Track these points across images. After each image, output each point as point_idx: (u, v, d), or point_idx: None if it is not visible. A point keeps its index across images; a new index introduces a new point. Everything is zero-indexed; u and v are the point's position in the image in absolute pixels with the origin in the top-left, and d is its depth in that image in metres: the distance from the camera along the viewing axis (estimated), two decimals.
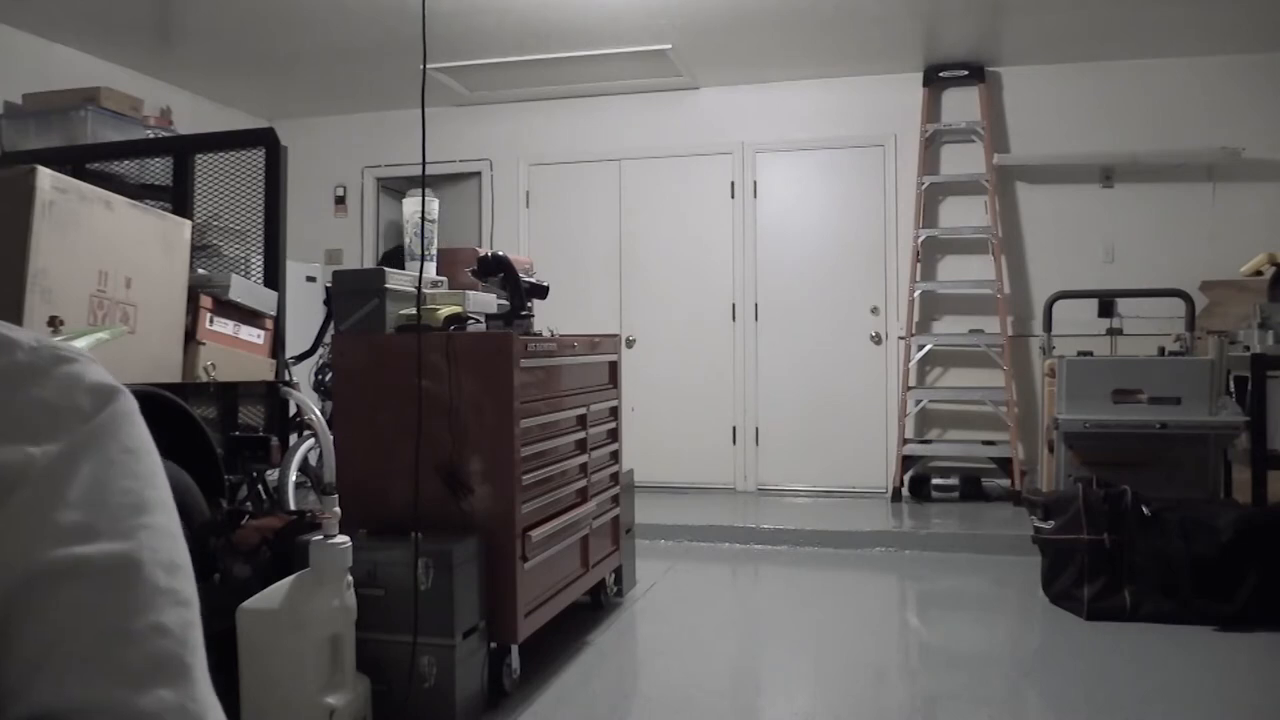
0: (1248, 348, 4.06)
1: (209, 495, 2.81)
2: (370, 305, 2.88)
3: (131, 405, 0.46)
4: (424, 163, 2.53)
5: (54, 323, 2.44)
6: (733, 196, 6.08)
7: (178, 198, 3.50)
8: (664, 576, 4.17)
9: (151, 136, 4.64)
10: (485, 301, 3.15)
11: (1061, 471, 4.25)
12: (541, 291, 3.35)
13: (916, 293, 5.72)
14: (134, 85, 5.33)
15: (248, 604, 2.26)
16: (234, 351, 3.19)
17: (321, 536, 2.30)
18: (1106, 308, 5.42)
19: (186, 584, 0.43)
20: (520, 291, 3.10)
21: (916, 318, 5.75)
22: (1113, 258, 5.60)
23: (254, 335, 3.30)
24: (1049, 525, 3.61)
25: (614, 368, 3.68)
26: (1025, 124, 5.72)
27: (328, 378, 4.11)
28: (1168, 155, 5.43)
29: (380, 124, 6.59)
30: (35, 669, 0.38)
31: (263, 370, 3.31)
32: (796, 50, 5.47)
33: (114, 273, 2.68)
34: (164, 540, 0.43)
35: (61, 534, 0.40)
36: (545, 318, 3.49)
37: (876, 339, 5.88)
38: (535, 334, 3.04)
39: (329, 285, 3.76)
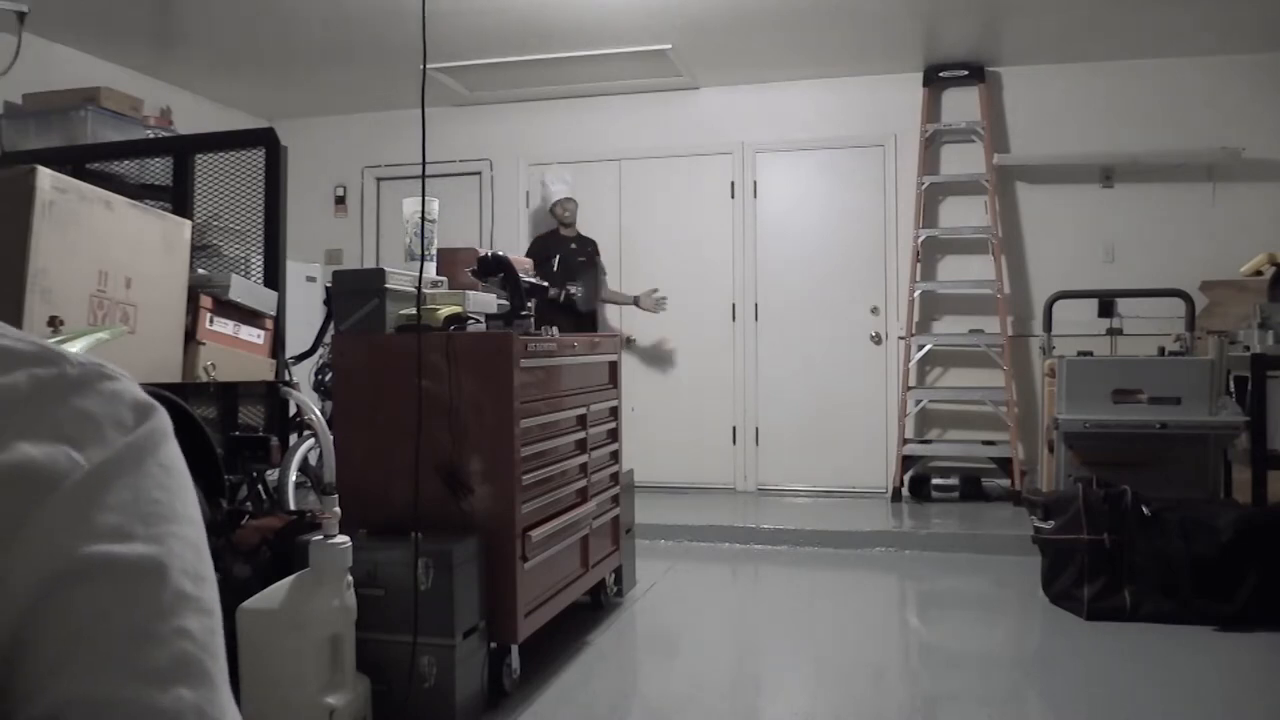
0: (1248, 348, 4.06)
1: (209, 495, 2.81)
2: (370, 305, 2.88)
3: (168, 424, 0.48)
4: (424, 162, 2.53)
5: (54, 323, 2.44)
6: (733, 196, 6.08)
7: (178, 198, 3.50)
8: (664, 576, 4.17)
9: (151, 136, 4.64)
10: (485, 301, 3.15)
11: (1061, 471, 4.24)
12: (541, 291, 3.35)
13: (916, 293, 5.72)
14: (134, 85, 5.33)
15: (248, 604, 2.26)
16: (234, 351, 3.19)
17: (321, 536, 2.30)
18: (1106, 308, 5.42)
19: (210, 594, 0.45)
20: (520, 291, 3.10)
21: (916, 318, 5.75)
22: (1113, 258, 5.60)
23: (254, 335, 3.30)
24: (1049, 525, 3.61)
25: (614, 368, 3.67)
26: (1025, 124, 5.72)
27: (328, 378, 4.11)
28: (1168, 155, 5.42)
29: (380, 124, 6.58)
30: (60, 661, 0.40)
31: (263, 370, 3.31)
32: (796, 50, 5.46)
33: (114, 273, 2.68)
34: (190, 551, 0.45)
35: (96, 533, 0.42)
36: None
37: (876, 339, 5.87)
38: (535, 334, 3.04)
39: (329, 285, 3.76)
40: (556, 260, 5.58)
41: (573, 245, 5.74)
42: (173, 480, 0.47)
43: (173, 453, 0.48)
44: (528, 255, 5.46)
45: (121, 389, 0.47)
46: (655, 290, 5.76)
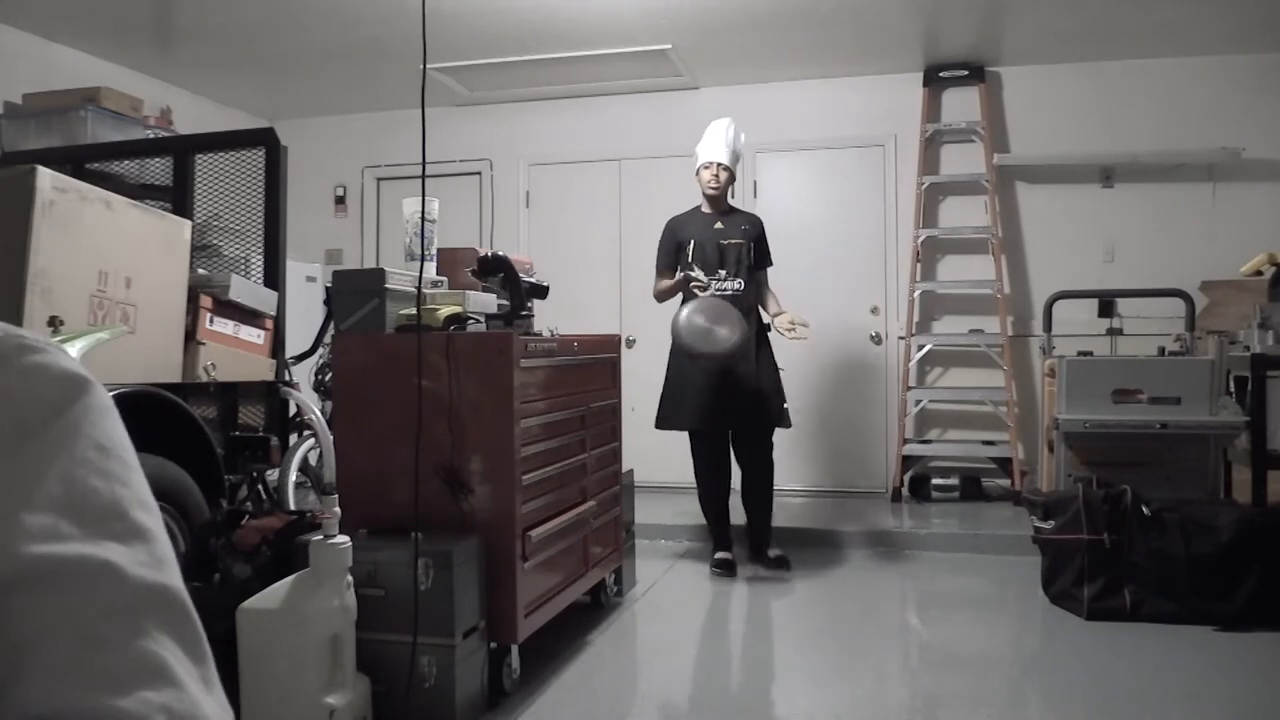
0: (1248, 348, 4.06)
1: (209, 495, 2.81)
2: (370, 305, 2.88)
3: (103, 399, 0.43)
4: (424, 162, 2.53)
5: (54, 323, 2.44)
6: (733, 196, 6.06)
7: (178, 198, 3.51)
8: (664, 576, 4.17)
9: (151, 136, 4.64)
10: (485, 301, 3.15)
11: (1061, 471, 4.24)
12: (541, 291, 3.35)
13: (916, 293, 5.72)
14: (134, 85, 5.33)
15: (248, 604, 2.26)
16: (234, 351, 3.19)
17: (321, 536, 2.30)
18: (1106, 308, 5.42)
19: (172, 580, 0.41)
20: (520, 291, 3.10)
21: (916, 318, 5.75)
22: (1113, 258, 5.60)
23: (254, 335, 3.30)
24: (1049, 525, 3.61)
25: (614, 368, 3.68)
26: (1025, 124, 5.72)
27: (328, 378, 4.11)
28: (1168, 155, 5.43)
29: (380, 124, 6.58)
30: (11, 676, 0.37)
31: (263, 370, 3.31)
32: (796, 50, 5.47)
33: (114, 273, 2.68)
34: (139, 539, 0.41)
35: (30, 537, 0.38)
36: (545, 318, 3.49)
37: (876, 339, 5.87)
38: (535, 334, 3.04)
39: (329, 285, 3.77)
40: (691, 247, 4.23)
41: (717, 225, 4.30)
42: (112, 463, 0.42)
43: (110, 430, 0.42)
44: (660, 242, 4.39)
45: (45, 362, 0.42)
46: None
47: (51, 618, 0.37)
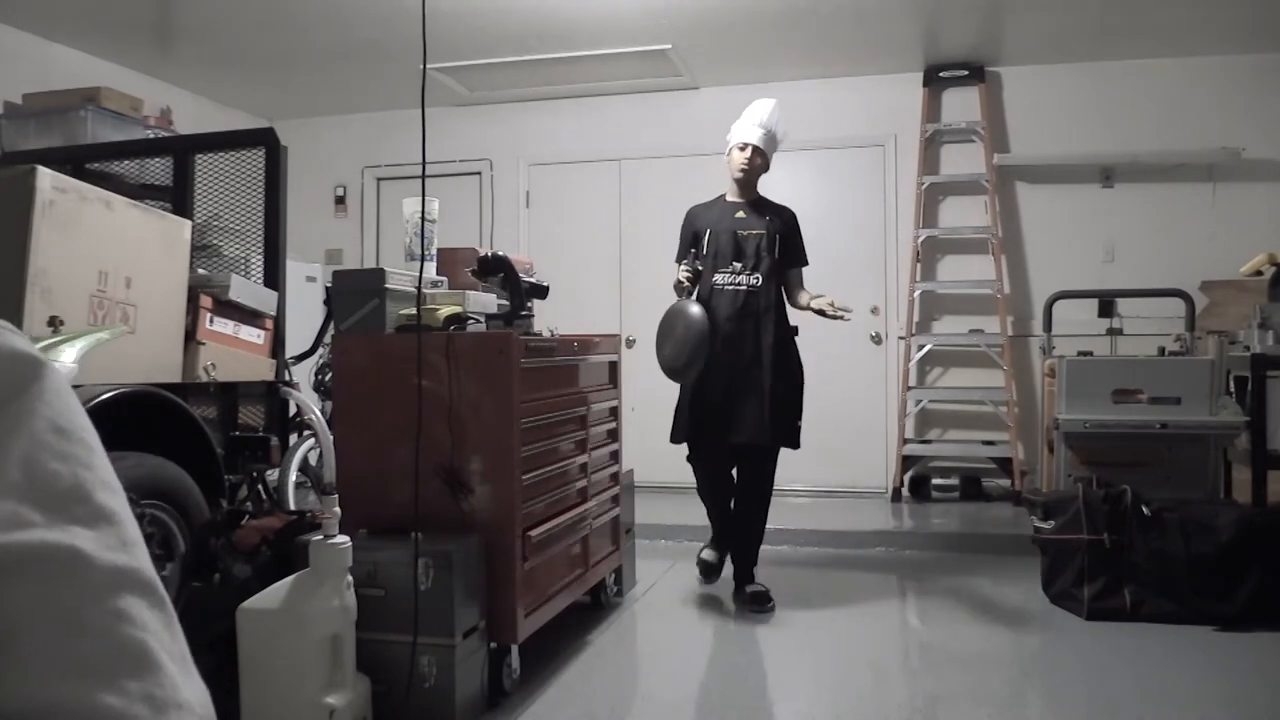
0: (1248, 348, 4.06)
1: (209, 495, 2.81)
2: (370, 305, 2.88)
3: (59, 379, 0.42)
4: (424, 162, 2.53)
5: (54, 323, 2.44)
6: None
7: (178, 198, 3.51)
8: (664, 576, 4.17)
9: (151, 136, 4.64)
10: (485, 301, 3.15)
11: (1061, 471, 4.25)
12: (541, 291, 3.35)
13: (916, 293, 5.72)
14: (134, 85, 5.33)
15: (248, 604, 2.26)
16: (234, 351, 3.19)
17: (321, 536, 2.30)
18: (1106, 308, 5.42)
19: (142, 561, 0.40)
20: (520, 291, 3.10)
21: (916, 318, 5.75)
22: (1113, 258, 5.60)
23: (254, 335, 3.30)
24: (1049, 525, 3.61)
25: (614, 368, 3.68)
26: (1025, 124, 5.72)
27: (328, 378, 4.11)
28: (1168, 155, 5.43)
29: (380, 124, 6.59)
30: None
31: (263, 370, 3.31)
32: (796, 50, 5.47)
33: (114, 273, 2.68)
34: (105, 522, 0.40)
35: None
36: (545, 318, 3.49)
37: (876, 339, 5.87)
38: (535, 334, 3.04)
39: (329, 285, 3.77)
40: (707, 237, 3.86)
41: (739, 215, 3.87)
42: (72, 445, 0.40)
43: (68, 412, 0.41)
44: (681, 233, 4.04)
45: None
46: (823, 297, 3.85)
47: (22, 609, 0.36)
